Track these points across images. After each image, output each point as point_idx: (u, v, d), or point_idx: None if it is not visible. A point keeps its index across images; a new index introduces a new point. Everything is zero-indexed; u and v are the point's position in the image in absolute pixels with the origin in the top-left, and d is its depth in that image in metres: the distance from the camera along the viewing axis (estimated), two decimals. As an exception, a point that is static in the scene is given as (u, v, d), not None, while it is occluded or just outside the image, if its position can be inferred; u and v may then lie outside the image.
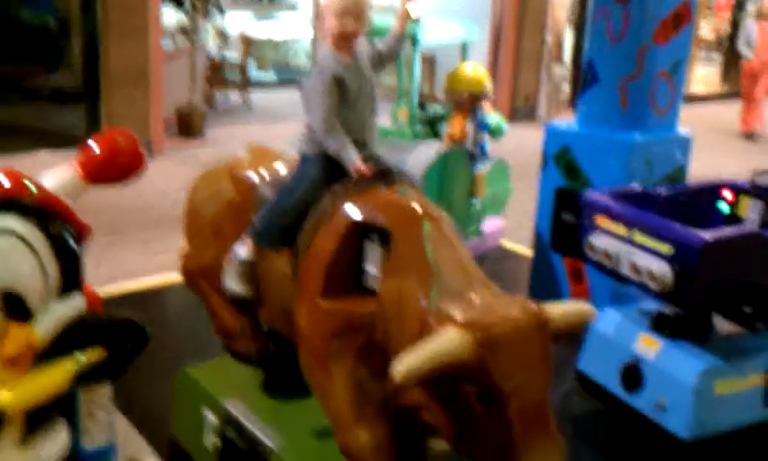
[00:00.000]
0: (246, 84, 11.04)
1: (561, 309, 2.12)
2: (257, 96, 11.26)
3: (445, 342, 1.95)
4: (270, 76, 12.79)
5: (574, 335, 3.87)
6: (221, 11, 9.12)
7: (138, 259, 5.45)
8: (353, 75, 2.67)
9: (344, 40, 2.67)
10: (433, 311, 2.12)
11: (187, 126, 9.06)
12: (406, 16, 2.82)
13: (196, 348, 3.74)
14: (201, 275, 3.11)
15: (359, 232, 2.46)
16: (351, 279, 2.46)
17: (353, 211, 2.48)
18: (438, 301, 2.14)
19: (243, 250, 2.74)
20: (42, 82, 9.45)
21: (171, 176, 7.05)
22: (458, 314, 2.02)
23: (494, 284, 2.26)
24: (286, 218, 2.64)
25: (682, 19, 4.15)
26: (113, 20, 7.66)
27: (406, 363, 1.91)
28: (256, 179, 2.90)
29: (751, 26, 11.25)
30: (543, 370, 2.03)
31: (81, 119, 8.20)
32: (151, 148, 8.02)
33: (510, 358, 1.96)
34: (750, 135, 11.21)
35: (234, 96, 11.20)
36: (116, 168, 2.18)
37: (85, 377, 2.03)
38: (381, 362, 2.22)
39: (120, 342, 2.06)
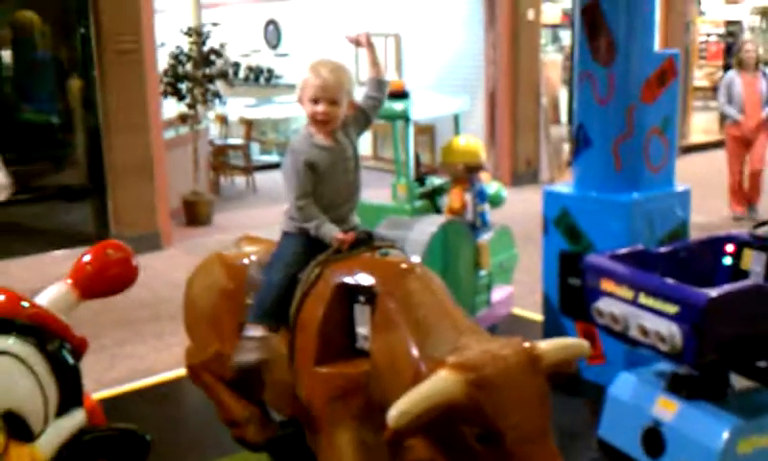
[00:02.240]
0: (249, 167, 11.16)
1: (553, 345, 2.20)
2: (262, 178, 11.35)
3: (438, 383, 1.99)
4: (273, 157, 12.94)
5: (594, 403, 3.83)
6: (220, 99, 9.27)
7: (154, 354, 5.45)
8: (329, 157, 2.68)
9: (320, 125, 2.69)
10: (424, 359, 2.17)
11: (194, 214, 9.14)
12: (355, 44, 2.80)
13: (216, 439, 3.72)
14: (203, 367, 3.12)
15: (346, 296, 2.51)
16: (344, 342, 2.52)
17: (338, 276, 2.55)
18: (429, 349, 2.20)
19: (253, 330, 2.73)
20: (49, 180, 9.56)
21: (181, 266, 7.05)
22: (449, 357, 2.07)
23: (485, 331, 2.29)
24: (274, 292, 2.66)
25: (667, 76, 4.19)
26: (115, 116, 7.75)
27: (399, 406, 1.95)
28: (246, 262, 2.95)
29: (731, 78, 8.45)
30: (540, 405, 2.06)
31: (89, 215, 8.28)
32: (159, 239, 8.09)
33: (503, 396, 2.00)
34: (745, 212, 8.62)
35: (239, 181, 11.31)
36: (108, 281, 2.21)
37: (90, 492, 2.01)
38: (383, 422, 2.23)
39: (122, 453, 2.05)
